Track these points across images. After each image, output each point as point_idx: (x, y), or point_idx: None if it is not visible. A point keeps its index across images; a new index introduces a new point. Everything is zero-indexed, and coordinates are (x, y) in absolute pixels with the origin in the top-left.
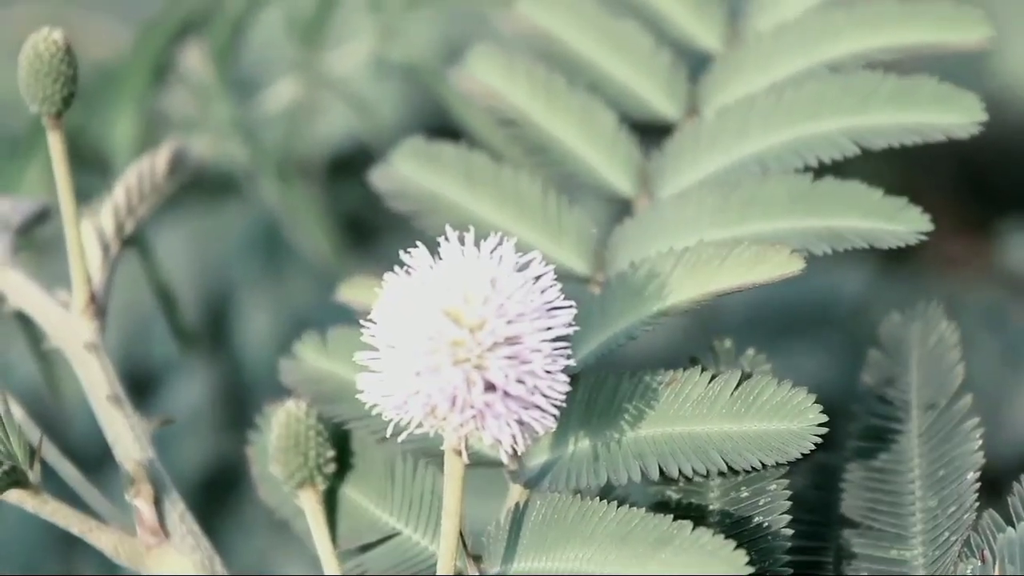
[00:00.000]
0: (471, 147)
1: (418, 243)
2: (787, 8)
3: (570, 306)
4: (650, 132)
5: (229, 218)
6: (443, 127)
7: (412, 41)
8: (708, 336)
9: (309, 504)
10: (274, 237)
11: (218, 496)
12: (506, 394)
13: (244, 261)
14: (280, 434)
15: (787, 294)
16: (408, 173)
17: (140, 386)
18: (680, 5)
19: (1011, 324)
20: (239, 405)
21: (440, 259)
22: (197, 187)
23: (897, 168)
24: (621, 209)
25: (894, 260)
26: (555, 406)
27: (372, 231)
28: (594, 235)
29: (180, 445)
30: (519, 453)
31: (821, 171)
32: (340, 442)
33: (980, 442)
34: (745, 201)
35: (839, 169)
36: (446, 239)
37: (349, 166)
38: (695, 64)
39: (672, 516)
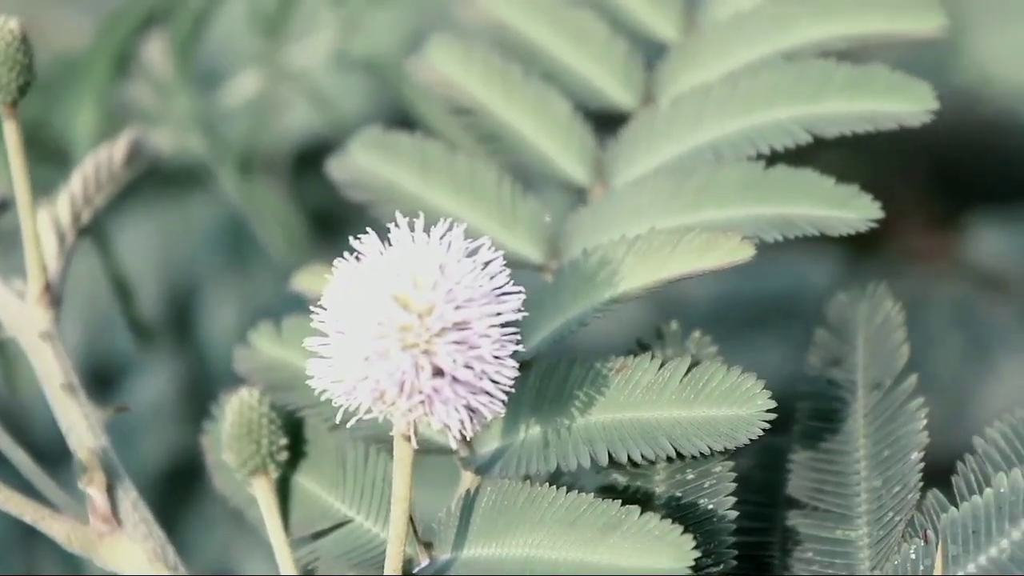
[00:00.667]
0: (427, 136)
1: (368, 230)
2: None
3: (519, 292)
4: (607, 121)
5: (194, 211)
6: (406, 120)
7: (374, 34)
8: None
9: (262, 492)
10: (239, 230)
11: (181, 488)
12: (454, 379)
13: (209, 254)
14: (233, 422)
15: (755, 287)
16: (365, 163)
17: (104, 378)
18: None
19: (977, 318)
20: (203, 397)
21: (390, 245)
22: (162, 180)
23: (867, 162)
24: (580, 197)
25: (862, 253)
26: (503, 392)
27: (339, 223)
28: (548, 223)
29: (144, 437)
30: (468, 439)
31: (784, 159)
32: (293, 430)
33: (924, 422)
34: (698, 189)
35: (806, 160)
36: (396, 226)
37: (316, 158)
38: (652, 53)
39: (620, 501)
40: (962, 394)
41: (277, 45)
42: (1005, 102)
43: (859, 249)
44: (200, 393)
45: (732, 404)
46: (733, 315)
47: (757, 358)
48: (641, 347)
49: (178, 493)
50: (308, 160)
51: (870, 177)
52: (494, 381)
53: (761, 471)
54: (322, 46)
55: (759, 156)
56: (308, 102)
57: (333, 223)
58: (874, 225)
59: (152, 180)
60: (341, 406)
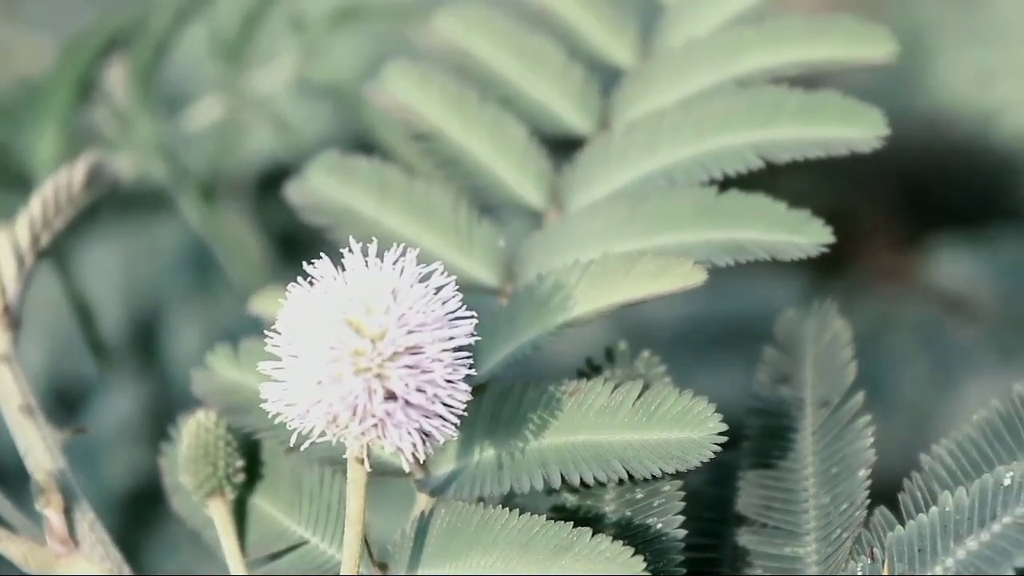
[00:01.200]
0: (385, 161)
1: (323, 255)
2: (698, 24)
3: (471, 316)
4: (563, 146)
5: (159, 234)
6: (368, 145)
7: (335, 60)
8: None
9: (219, 513)
10: (203, 253)
11: (145, 510)
12: (407, 403)
13: (173, 277)
14: (190, 444)
15: (721, 309)
16: (322, 187)
17: (69, 400)
18: (594, 21)
19: (942, 339)
20: (167, 420)
21: (344, 270)
22: (127, 203)
23: (834, 183)
24: (536, 222)
25: (829, 274)
26: (456, 415)
27: (304, 246)
28: (502, 247)
29: (108, 460)
30: (421, 462)
31: (746, 182)
32: (250, 452)
33: (872, 439)
34: (651, 214)
35: (771, 183)
36: (350, 251)
37: (280, 182)
38: (608, 79)
39: (572, 523)
40: (925, 415)
41: (238, 71)
42: (971, 125)
43: (825, 270)
44: (164, 415)
45: (684, 427)
46: (698, 337)
47: (721, 379)
48: (591, 367)
49: (142, 515)
50: (272, 184)
51: (837, 198)
52: (446, 405)
53: (711, 488)
54: (283, 72)
55: (712, 181)
56: (270, 127)
57: (297, 247)
58: (825, 250)
59: (117, 204)
60: (295, 429)
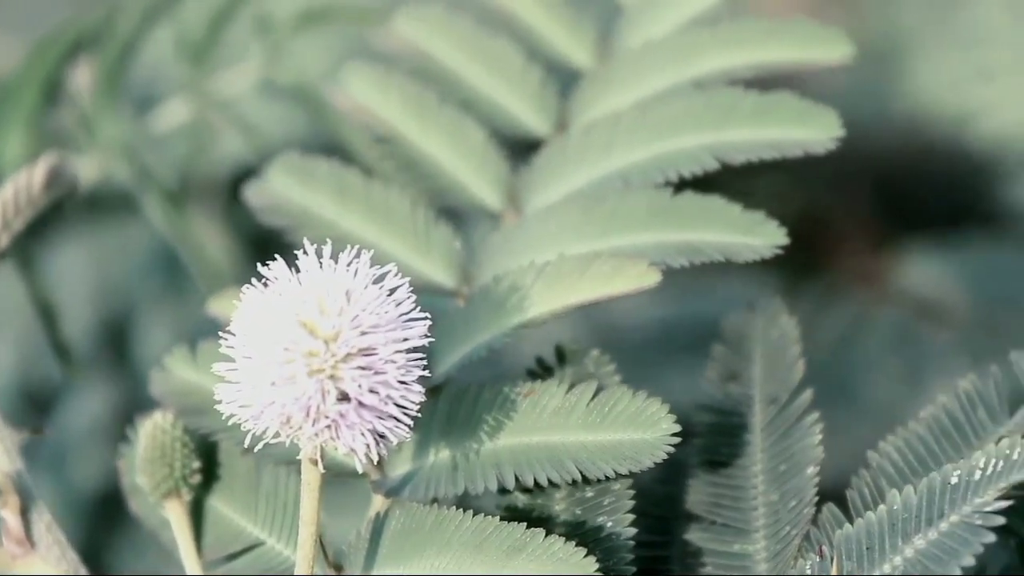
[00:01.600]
0: (344, 163)
1: (276, 256)
2: (655, 26)
3: (425, 318)
4: (522, 148)
5: (130, 236)
6: (334, 147)
7: (301, 62)
8: (611, 352)
9: (175, 515)
10: (175, 255)
11: (113, 512)
12: (360, 404)
13: (145, 279)
14: (147, 445)
15: (694, 311)
16: (281, 188)
17: (39, 403)
18: (553, 23)
19: (915, 343)
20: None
21: (298, 272)
22: (97, 205)
23: (811, 186)
24: (494, 223)
25: (804, 277)
26: (409, 416)
27: (274, 248)
28: (459, 249)
29: (77, 462)
30: (375, 462)
31: (719, 182)
32: (208, 453)
33: (820, 436)
34: (607, 216)
35: (746, 184)
36: (304, 252)
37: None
38: (566, 81)
39: (523, 522)
40: (896, 418)
41: (205, 73)
42: (948, 127)
43: (800, 272)
44: (134, 417)
45: (637, 428)
46: (670, 338)
47: (691, 380)
48: (542, 367)
49: (111, 516)
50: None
51: (813, 200)
52: (400, 406)
53: (660, 485)
54: (250, 74)
55: (667, 183)
56: (235, 129)
57: (270, 249)
58: (779, 251)
59: (87, 205)
60: (250, 430)
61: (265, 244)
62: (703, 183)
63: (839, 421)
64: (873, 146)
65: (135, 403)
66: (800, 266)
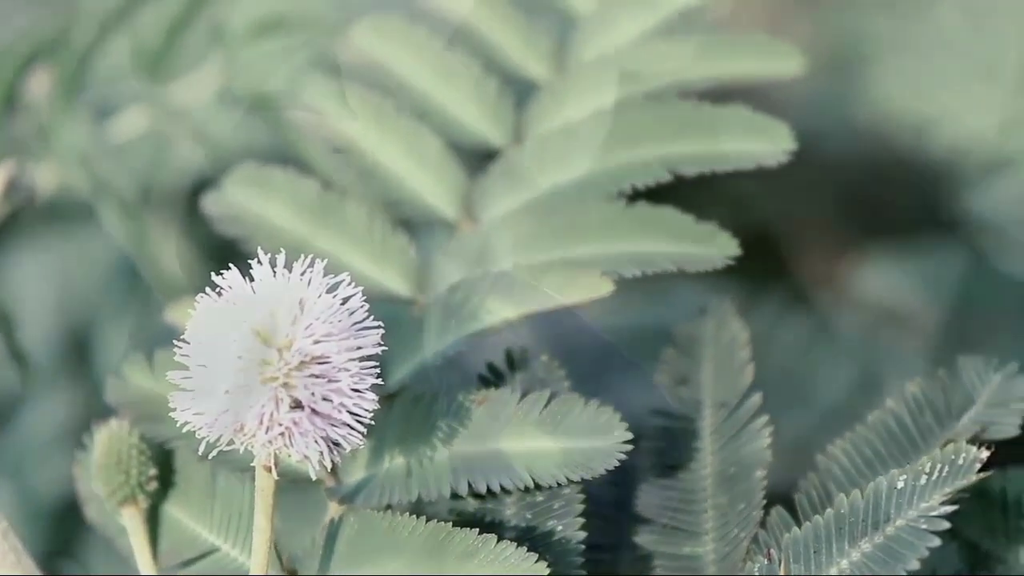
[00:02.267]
0: (301, 173)
1: (230, 265)
2: (611, 39)
3: (378, 327)
4: (479, 158)
5: (91, 243)
6: (290, 157)
7: (258, 71)
8: (571, 358)
9: (131, 521)
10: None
11: (77, 518)
12: (313, 412)
13: (108, 286)
14: (102, 452)
15: (655, 315)
16: (238, 198)
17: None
18: (509, 35)
19: (877, 350)
20: None
21: (252, 281)
22: (58, 213)
23: (775, 192)
24: (451, 233)
25: (767, 283)
26: (362, 423)
27: (238, 257)
28: (415, 258)
29: (37, 470)
30: (329, 469)
31: (686, 188)
32: (164, 460)
33: (768, 440)
34: (561, 226)
35: (711, 189)
36: (258, 261)
37: None
38: (523, 92)
39: (474, 527)
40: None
41: (162, 83)
42: (911, 135)
43: (763, 279)
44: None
45: (590, 436)
46: (629, 344)
47: (648, 386)
48: (492, 371)
49: (74, 523)
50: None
51: (776, 207)
52: (353, 413)
53: (611, 488)
54: (207, 84)
55: (621, 194)
56: (193, 139)
57: (231, 257)
58: (731, 262)
59: (45, 213)
60: (204, 438)
61: (228, 253)
62: (666, 191)
63: (800, 427)
64: (835, 153)
65: (96, 411)
66: (762, 273)
